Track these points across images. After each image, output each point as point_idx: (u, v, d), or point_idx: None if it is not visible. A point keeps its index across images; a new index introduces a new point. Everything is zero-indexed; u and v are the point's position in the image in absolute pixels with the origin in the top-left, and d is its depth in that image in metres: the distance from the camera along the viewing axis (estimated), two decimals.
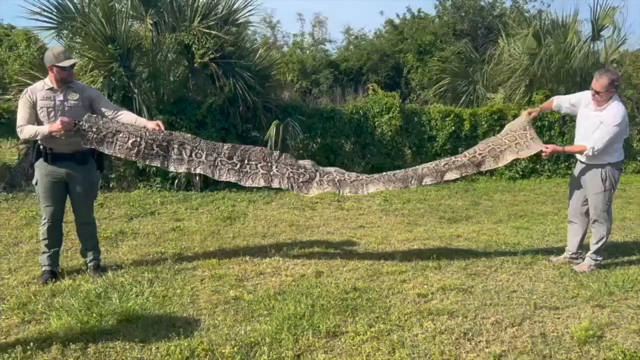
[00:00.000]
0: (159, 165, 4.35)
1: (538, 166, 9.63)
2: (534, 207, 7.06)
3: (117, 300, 3.66)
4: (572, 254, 4.68)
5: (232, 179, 4.43)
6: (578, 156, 4.54)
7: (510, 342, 3.19)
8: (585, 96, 4.46)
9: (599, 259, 4.49)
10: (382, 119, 9.02)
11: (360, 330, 3.29)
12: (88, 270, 4.29)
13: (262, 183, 4.45)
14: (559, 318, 3.53)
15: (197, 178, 7.86)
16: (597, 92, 4.26)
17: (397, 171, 4.62)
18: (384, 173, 4.62)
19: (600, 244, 4.46)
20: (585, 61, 9.91)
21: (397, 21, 16.15)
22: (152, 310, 3.58)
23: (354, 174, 4.58)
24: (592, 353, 3.08)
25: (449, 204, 7.28)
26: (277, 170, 4.45)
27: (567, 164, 9.64)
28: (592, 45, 10.25)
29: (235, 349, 3.04)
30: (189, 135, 4.48)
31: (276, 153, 4.54)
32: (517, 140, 4.46)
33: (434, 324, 3.40)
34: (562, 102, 4.66)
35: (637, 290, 3.98)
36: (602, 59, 10.20)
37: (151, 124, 4.28)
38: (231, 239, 5.41)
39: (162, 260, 4.63)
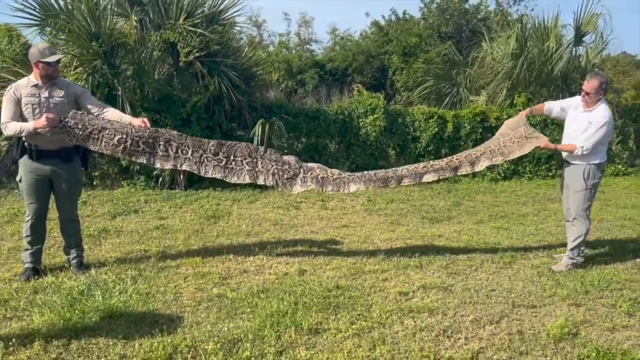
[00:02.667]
0: (145, 162, 4.37)
1: (519, 168, 9.77)
2: (514, 208, 7.17)
3: (100, 298, 3.67)
4: None
5: (218, 175, 4.47)
6: (564, 155, 4.72)
7: (488, 339, 3.26)
8: (574, 101, 4.70)
9: (576, 257, 4.60)
10: (366, 119, 9.08)
11: (342, 327, 3.34)
12: (71, 268, 4.29)
13: (247, 179, 4.50)
14: (536, 316, 3.62)
15: (181, 176, 7.85)
16: (587, 93, 4.46)
17: (378, 171, 4.76)
18: (365, 172, 4.74)
19: (577, 242, 4.58)
20: (567, 65, 10.08)
21: (382, 23, 16.21)
22: (135, 307, 3.59)
23: (336, 171, 4.67)
24: (567, 350, 3.16)
25: (432, 204, 7.36)
26: (262, 167, 4.51)
27: (547, 166, 9.80)
28: (574, 50, 10.42)
29: (218, 345, 3.07)
30: (175, 132, 4.50)
31: (261, 149, 4.63)
32: (490, 147, 4.67)
33: (414, 322, 3.46)
34: (552, 107, 4.84)
35: (611, 289, 4.09)
36: (584, 63, 10.37)
37: (137, 121, 4.30)
38: (215, 238, 5.43)
39: (146, 258, 4.64)
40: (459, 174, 4.75)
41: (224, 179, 4.49)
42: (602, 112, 4.42)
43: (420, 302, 3.78)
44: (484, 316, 3.58)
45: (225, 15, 8.48)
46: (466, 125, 9.58)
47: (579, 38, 10.29)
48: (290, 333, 3.24)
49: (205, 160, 4.44)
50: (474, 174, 9.60)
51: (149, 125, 4.30)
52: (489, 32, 11.31)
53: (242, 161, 4.50)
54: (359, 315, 3.54)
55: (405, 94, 12.74)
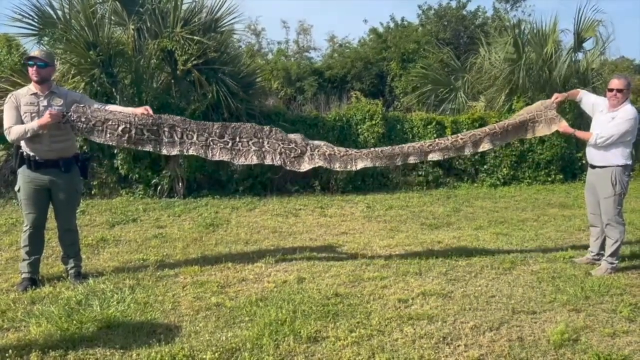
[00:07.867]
0: (151, 150, 4.38)
1: (519, 173, 9.76)
2: (513, 214, 7.16)
3: (98, 307, 3.65)
4: (594, 255, 4.88)
5: (225, 158, 4.48)
6: (588, 159, 4.76)
7: (488, 346, 3.24)
8: (602, 102, 4.71)
9: (615, 262, 4.63)
10: (364, 126, 9.09)
11: (341, 335, 3.32)
12: (69, 278, 4.27)
13: (255, 160, 4.52)
14: (536, 322, 3.60)
15: (180, 185, 7.84)
16: (619, 90, 4.52)
17: (385, 148, 4.83)
18: (372, 149, 4.79)
19: (614, 247, 4.61)
20: (566, 70, 10.08)
21: (380, 29, 16.26)
22: (133, 317, 3.57)
23: (343, 149, 4.71)
24: (567, 356, 3.14)
25: (431, 211, 7.35)
26: (268, 146, 4.53)
27: (546, 171, 9.79)
28: (573, 55, 10.43)
29: (216, 354, 3.05)
30: (178, 117, 4.50)
31: (267, 128, 4.61)
32: (495, 129, 4.80)
33: (414, 329, 3.44)
34: (584, 98, 4.88)
35: (612, 294, 4.07)
36: (583, 68, 10.38)
37: (139, 110, 4.32)
38: (213, 246, 5.41)
39: (144, 267, 4.62)
40: (462, 154, 4.91)
41: (231, 160, 4.51)
42: (627, 110, 4.49)
43: (419, 309, 3.76)
44: (483, 323, 3.56)
45: (223, 22, 8.51)
46: (465, 130, 9.54)
47: (578, 44, 10.30)
48: (288, 342, 3.22)
49: (212, 143, 4.44)
50: (473, 179, 9.63)
51: (151, 112, 4.31)
52: (487, 38, 11.34)
53: (248, 142, 4.50)
54: (358, 323, 3.52)
55: (404, 99, 12.76)
